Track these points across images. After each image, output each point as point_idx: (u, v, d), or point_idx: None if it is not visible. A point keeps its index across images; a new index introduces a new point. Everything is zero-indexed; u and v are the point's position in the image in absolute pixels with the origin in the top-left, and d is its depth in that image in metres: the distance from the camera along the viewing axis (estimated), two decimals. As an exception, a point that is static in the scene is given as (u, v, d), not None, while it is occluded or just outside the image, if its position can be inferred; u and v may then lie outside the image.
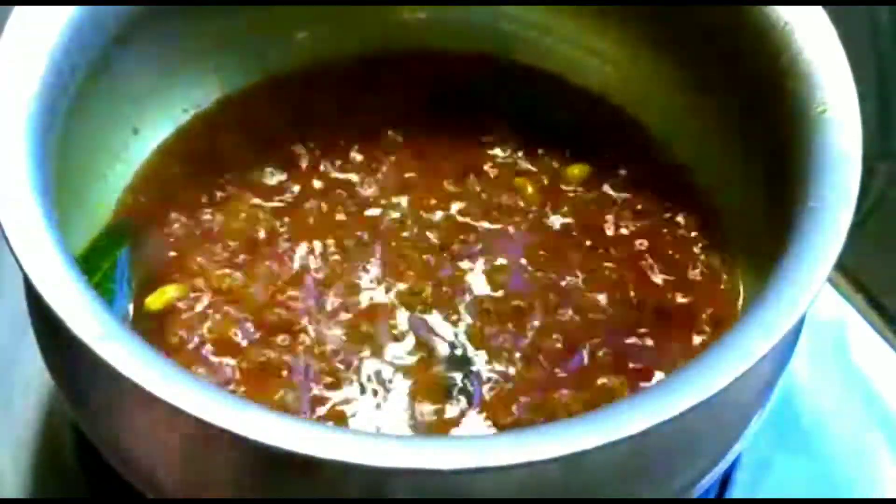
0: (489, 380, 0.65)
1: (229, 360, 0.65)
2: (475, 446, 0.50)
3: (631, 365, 0.66)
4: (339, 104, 0.76)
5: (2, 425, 0.71)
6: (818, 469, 0.72)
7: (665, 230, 0.72)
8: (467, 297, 0.68)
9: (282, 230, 0.71)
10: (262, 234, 0.70)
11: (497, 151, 0.75)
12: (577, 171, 0.74)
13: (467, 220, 0.72)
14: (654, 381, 0.64)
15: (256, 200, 0.72)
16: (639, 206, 0.73)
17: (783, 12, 0.65)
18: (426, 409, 0.63)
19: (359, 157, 0.74)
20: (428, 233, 0.71)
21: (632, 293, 0.69)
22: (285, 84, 0.78)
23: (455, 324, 0.67)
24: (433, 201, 0.73)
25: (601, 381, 0.65)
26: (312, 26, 0.78)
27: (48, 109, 0.61)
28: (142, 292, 0.68)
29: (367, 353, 0.65)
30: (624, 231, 0.71)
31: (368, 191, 0.73)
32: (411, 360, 0.65)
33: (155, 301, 0.67)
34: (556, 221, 0.72)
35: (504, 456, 0.49)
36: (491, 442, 0.50)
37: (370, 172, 0.74)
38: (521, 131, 0.75)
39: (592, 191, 0.73)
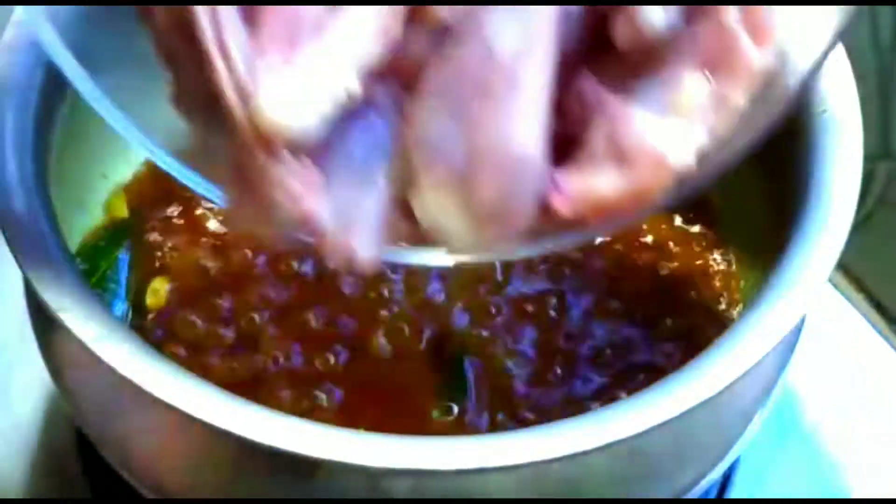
0: (488, 380, 0.65)
1: (219, 360, 0.65)
2: (475, 446, 0.50)
3: (631, 363, 0.66)
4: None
5: (2, 425, 0.71)
6: (818, 469, 0.72)
7: (665, 230, 0.72)
8: (470, 296, 0.68)
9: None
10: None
11: None
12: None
13: None
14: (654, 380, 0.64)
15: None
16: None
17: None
18: (422, 408, 0.63)
19: None
20: None
21: (633, 292, 0.69)
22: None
23: (457, 321, 0.67)
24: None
25: (602, 380, 0.65)
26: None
27: (48, 110, 0.61)
28: (141, 290, 0.68)
29: (361, 348, 0.66)
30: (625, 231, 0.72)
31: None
32: (409, 355, 0.66)
33: (153, 297, 0.67)
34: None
35: (504, 456, 0.49)
36: (491, 442, 0.50)
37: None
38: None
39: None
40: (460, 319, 0.67)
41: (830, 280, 0.58)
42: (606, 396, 0.64)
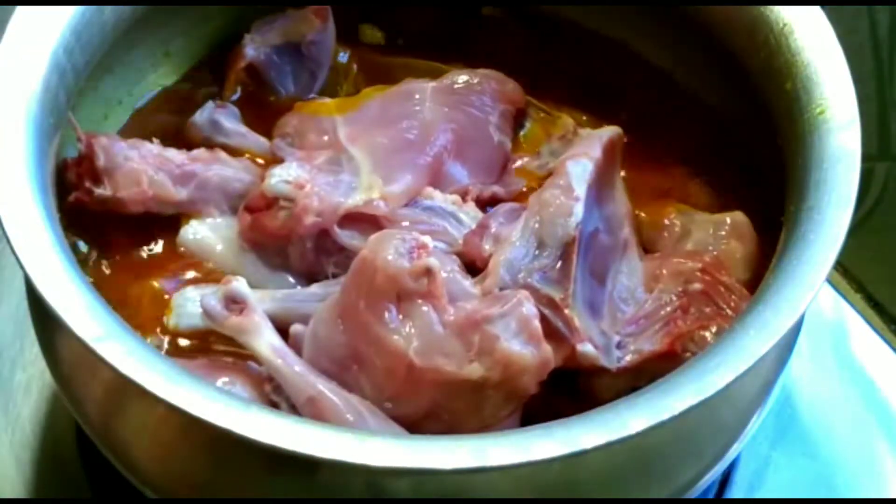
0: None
1: None
2: (475, 446, 0.50)
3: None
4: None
5: (3, 425, 0.71)
6: (818, 469, 0.72)
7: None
8: None
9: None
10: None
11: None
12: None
13: None
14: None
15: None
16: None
17: (782, 13, 0.65)
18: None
19: None
20: None
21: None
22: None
23: None
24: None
25: None
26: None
27: (49, 110, 0.61)
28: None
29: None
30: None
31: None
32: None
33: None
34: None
35: (504, 456, 0.49)
36: (491, 442, 0.50)
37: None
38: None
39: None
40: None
41: (829, 280, 0.58)
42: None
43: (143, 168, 0.66)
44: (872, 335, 0.79)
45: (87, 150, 0.65)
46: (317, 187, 0.65)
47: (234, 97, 0.74)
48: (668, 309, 0.62)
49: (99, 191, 0.65)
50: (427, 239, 0.58)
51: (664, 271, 0.64)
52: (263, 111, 0.74)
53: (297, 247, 0.65)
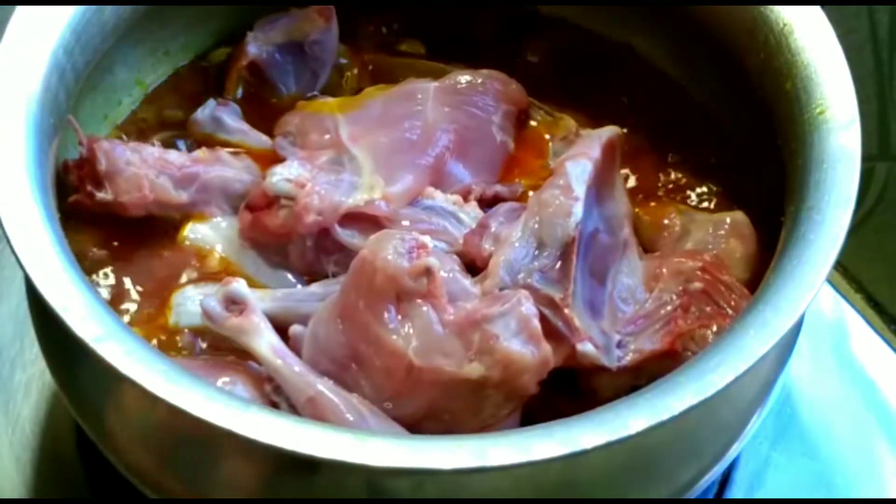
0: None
1: None
2: (475, 446, 0.50)
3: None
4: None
5: (3, 425, 0.72)
6: (818, 469, 0.73)
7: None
8: None
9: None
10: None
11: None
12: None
13: None
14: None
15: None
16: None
17: (782, 13, 0.65)
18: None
19: None
20: None
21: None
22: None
23: None
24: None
25: None
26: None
27: (49, 110, 0.61)
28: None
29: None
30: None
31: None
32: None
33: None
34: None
35: (504, 456, 0.49)
36: (491, 442, 0.50)
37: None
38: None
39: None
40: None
41: (829, 280, 0.59)
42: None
43: (144, 172, 0.66)
44: (872, 335, 0.79)
45: (89, 155, 0.65)
46: (318, 186, 0.65)
47: (237, 95, 0.75)
48: (669, 308, 0.62)
49: (100, 195, 0.65)
50: (427, 239, 0.58)
51: (664, 271, 0.64)
52: (265, 109, 0.74)
53: (297, 245, 0.65)
